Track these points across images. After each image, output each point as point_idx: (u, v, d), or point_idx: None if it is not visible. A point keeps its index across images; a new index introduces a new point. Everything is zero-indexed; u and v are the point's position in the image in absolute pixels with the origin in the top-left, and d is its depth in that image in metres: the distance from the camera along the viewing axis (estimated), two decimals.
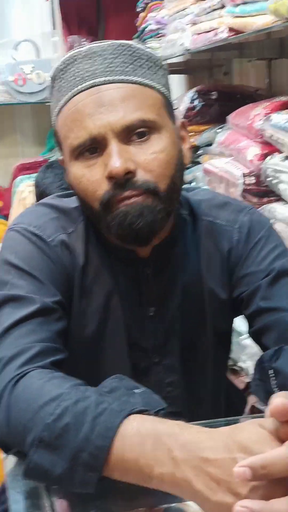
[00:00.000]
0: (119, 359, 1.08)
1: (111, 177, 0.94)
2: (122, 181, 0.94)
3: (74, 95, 0.96)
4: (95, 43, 0.98)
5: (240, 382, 2.00)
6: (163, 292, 1.08)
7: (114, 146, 0.94)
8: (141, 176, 0.95)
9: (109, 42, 0.98)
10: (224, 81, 2.91)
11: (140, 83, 0.97)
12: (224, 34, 1.74)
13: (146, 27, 2.67)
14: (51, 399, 0.80)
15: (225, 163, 1.82)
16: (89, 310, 1.05)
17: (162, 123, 0.98)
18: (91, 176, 0.96)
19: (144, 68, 0.98)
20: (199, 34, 1.97)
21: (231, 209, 1.13)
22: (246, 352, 1.95)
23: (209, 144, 2.18)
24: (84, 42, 3.28)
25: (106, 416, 0.76)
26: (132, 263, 1.06)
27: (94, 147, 0.96)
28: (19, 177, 3.22)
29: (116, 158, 0.93)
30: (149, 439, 0.73)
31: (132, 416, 0.76)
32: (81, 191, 0.99)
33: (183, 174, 1.04)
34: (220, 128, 2.08)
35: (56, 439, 0.77)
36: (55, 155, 3.46)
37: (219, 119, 2.23)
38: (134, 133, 0.95)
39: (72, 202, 1.08)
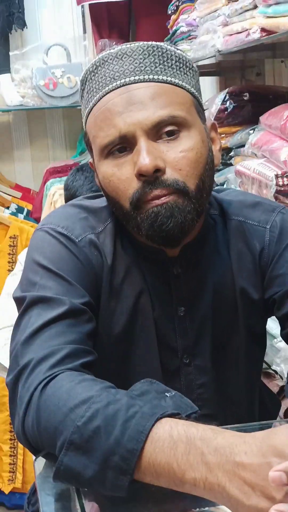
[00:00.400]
0: (149, 360, 1.07)
1: (140, 175, 0.94)
2: (152, 178, 0.94)
3: (104, 95, 0.97)
4: (125, 45, 0.99)
5: (274, 385, 1.97)
6: (193, 291, 1.07)
7: (143, 143, 0.94)
8: (170, 174, 0.95)
9: (139, 43, 0.99)
10: (256, 82, 2.89)
11: (169, 82, 0.98)
12: (256, 35, 1.72)
13: (177, 29, 2.66)
14: (82, 401, 0.79)
15: (257, 165, 1.80)
16: (118, 310, 1.05)
17: (191, 121, 0.98)
18: (121, 175, 0.96)
19: (174, 68, 0.99)
20: (230, 35, 1.95)
21: (262, 209, 1.11)
22: (280, 355, 1.92)
23: (241, 146, 2.16)
24: (115, 46, 3.28)
25: (137, 419, 0.75)
26: (162, 263, 1.06)
27: (123, 146, 0.96)
28: (50, 181, 3.24)
29: (145, 155, 0.93)
30: (181, 443, 0.72)
31: (164, 420, 0.75)
32: (111, 190, 0.98)
33: (213, 174, 1.03)
34: (252, 129, 2.06)
35: (86, 442, 0.76)
36: (86, 158, 3.47)
37: (251, 120, 2.20)
38: (163, 131, 0.96)
39: (100, 203, 1.08)
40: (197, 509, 0.78)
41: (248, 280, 1.09)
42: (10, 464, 2.72)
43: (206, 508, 0.78)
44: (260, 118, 1.92)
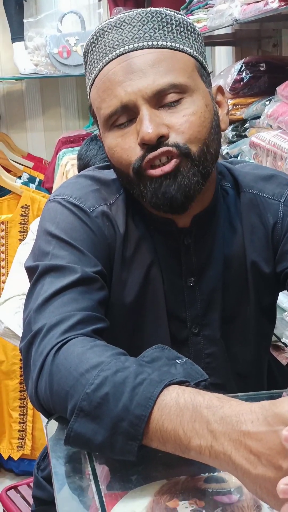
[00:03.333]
0: (159, 329, 1.07)
1: (143, 143, 0.93)
2: (154, 145, 0.94)
3: (105, 65, 0.96)
4: (124, 13, 0.98)
5: (283, 358, 1.98)
6: (203, 262, 1.07)
7: (145, 111, 0.94)
8: (173, 138, 0.95)
9: (138, 10, 0.98)
10: (273, 52, 2.84)
11: (170, 48, 0.96)
12: (275, 4, 1.69)
13: None
14: (92, 366, 0.80)
15: (272, 136, 1.79)
16: (130, 280, 1.05)
17: (194, 86, 0.97)
18: (124, 144, 0.96)
19: (174, 33, 0.97)
20: (248, 4, 1.92)
21: (277, 182, 1.11)
22: None
23: (257, 117, 2.13)
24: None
25: (146, 386, 0.76)
26: (172, 233, 1.05)
27: (126, 115, 0.95)
28: (62, 150, 3.22)
29: (148, 123, 0.93)
30: (188, 411, 0.73)
31: (171, 387, 0.76)
32: (116, 160, 0.98)
33: (219, 138, 1.02)
34: (268, 100, 2.04)
35: (95, 409, 0.77)
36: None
37: (267, 91, 2.18)
38: (165, 98, 0.95)
39: (112, 174, 1.08)
40: (206, 474, 0.79)
41: (260, 253, 1.08)
42: (19, 431, 2.76)
43: (215, 473, 0.79)
44: (277, 89, 1.89)
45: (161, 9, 0.98)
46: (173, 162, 0.94)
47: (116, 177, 1.07)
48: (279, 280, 1.10)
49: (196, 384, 0.83)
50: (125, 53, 0.95)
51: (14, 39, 3.22)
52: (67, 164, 3.14)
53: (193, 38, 1.00)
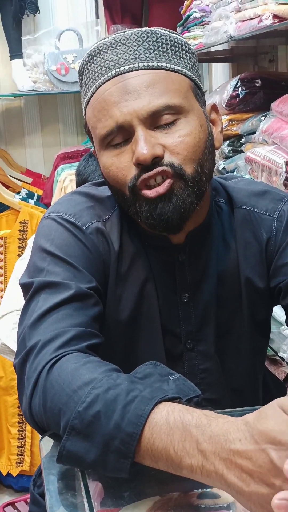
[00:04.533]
0: (153, 345, 1.08)
1: (138, 163, 0.94)
2: (149, 165, 0.94)
3: (100, 85, 0.97)
4: (119, 33, 0.99)
5: (281, 372, 1.98)
6: (197, 278, 1.08)
7: (140, 132, 0.94)
8: (168, 158, 0.95)
9: (133, 30, 0.99)
10: (269, 68, 2.87)
11: (165, 68, 0.97)
12: (268, 21, 1.71)
13: (190, 15, 2.64)
14: (84, 383, 0.80)
15: (267, 151, 1.80)
16: (124, 296, 1.06)
17: (188, 106, 0.98)
18: (120, 163, 0.97)
19: (169, 53, 0.98)
20: (243, 21, 1.94)
21: (270, 197, 1.11)
22: (286, 342, 1.93)
23: (252, 133, 2.15)
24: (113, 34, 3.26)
25: (137, 403, 0.76)
26: (166, 250, 1.06)
27: (122, 136, 0.96)
28: (61, 166, 3.24)
29: (143, 144, 0.93)
30: (177, 430, 0.73)
31: (162, 404, 0.76)
32: (112, 179, 0.99)
33: (213, 157, 1.03)
34: (264, 115, 2.05)
35: (87, 427, 0.77)
36: None
37: (263, 107, 2.19)
38: (160, 119, 0.96)
39: (107, 191, 1.08)
40: (200, 490, 0.79)
41: (254, 269, 1.09)
42: (18, 447, 2.75)
43: (209, 489, 0.79)
44: (272, 104, 1.91)
45: (156, 29, 0.99)
46: (167, 183, 0.95)
47: (111, 193, 1.08)
48: (273, 295, 1.11)
49: (189, 400, 0.83)
50: (121, 74, 0.96)
51: (12, 56, 3.24)
52: (66, 179, 3.15)
53: (188, 58, 1.01)
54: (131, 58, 0.96)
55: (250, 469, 0.67)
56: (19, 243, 2.86)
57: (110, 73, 0.96)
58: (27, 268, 1.03)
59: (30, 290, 0.97)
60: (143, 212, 0.97)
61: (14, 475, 2.73)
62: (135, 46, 0.96)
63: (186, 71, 0.99)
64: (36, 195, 3.32)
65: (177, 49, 0.99)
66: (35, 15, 3.30)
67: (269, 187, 1.17)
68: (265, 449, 0.66)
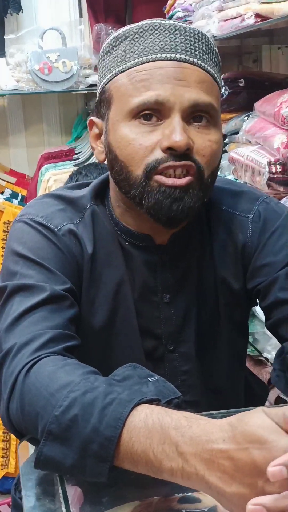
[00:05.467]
0: (132, 347, 1.07)
1: (170, 148, 0.94)
2: (181, 154, 0.94)
3: (150, 61, 0.96)
4: (176, 22, 0.98)
5: (266, 372, 1.98)
6: (178, 279, 1.07)
7: (178, 119, 0.94)
8: (195, 155, 0.96)
9: (190, 26, 0.99)
10: (253, 68, 2.87)
11: (211, 74, 0.98)
12: (251, 20, 1.71)
13: (173, 14, 2.64)
14: (62, 386, 0.79)
15: (250, 152, 1.80)
16: (98, 298, 1.05)
17: (219, 117, 1.00)
18: (145, 141, 0.95)
19: (214, 62, 1.00)
20: (225, 20, 1.94)
21: (246, 198, 1.11)
22: (271, 342, 1.93)
23: (236, 133, 2.15)
24: (111, 31, 3.25)
25: (115, 406, 0.75)
26: (149, 250, 1.05)
27: (152, 114, 0.95)
28: (45, 166, 3.22)
29: (181, 131, 0.93)
30: (156, 433, 0.72)
31: (140, 407, 0.75)
32: (127, 154, 0.97)
33: (217, 174, 1.04)
34: (247, 115, 2.05)
35: (65, 431, 0.76)
36: (81, 144, 3.45)
37: (247, 107, 2.19)
38: (197, 116, 0.96)
39: (80, 192, 1.07)
40: (180, 494, 0.78)
41: (229, 270, 1.08)
42: (3, 449, 2.73)
43: (190, 493, 0.78)
44: (255, 104, 1.91)
45: (207, 35, 1.01)
46: (188, 179, 0.95)
47: (83, 194, 1.07)
48: (250, 297, 1.10)
49: (168, 402, 0.82)
50: (177, 60, 0.95)
51: None
52: (50, 179, 3.13)
53: (220, 75, 1.03)
54: (188, 51, 0.96)
55: (232, 470, 0.66)
56: (3, 243, 2.84)
57: (165, 55, 0.95)
58: (1, 273, 1.02)
59: (4, 294, 0.96)
60: (151, 199, 0.96)
61: None
62: (192, 41, 0.96)
63: (220, 87, 1.02)
64: (20, 195, 3.30)
65: (218, 61, 1.01)
66: (18, 14, 3.28)
67: (246, 187, 1.17)
68: (248, 449, 0.65)
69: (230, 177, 1.98)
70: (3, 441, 2.72)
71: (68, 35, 3.24)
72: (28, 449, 0.86)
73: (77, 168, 2.26)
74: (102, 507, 0.76)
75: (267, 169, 1.66)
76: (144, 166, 0.95)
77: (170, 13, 2.69)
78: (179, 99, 0.94)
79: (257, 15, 1.67)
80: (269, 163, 1.67)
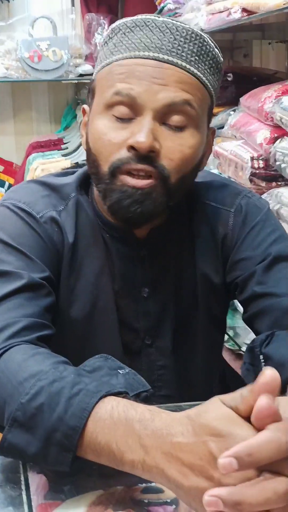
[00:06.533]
0: (110, 339, 1.07)
1: (132, 148, 0.93)
2: (143, 156, 0.92)
3: (133, 58, 0.95)
4: (171, 19, 0.97)
5: None
6: (157, 273, 1.07)
7: (148, 119, 0.93)
8: (160, 159, 0.94)
9: (185, 24, 0.97)
10: (243, 63, 2.87)
11: (198, 78, 0.96)
12: (237, 15, 1.71)
13: (164, 6, 2.64)
14: (30, 375, 0.79)
15: (234, 146, 1.80)
16: (78, 287, 1.04)
17: (201, 121, 0.97)
18: (113, 138, 0.94)
19: (205, 65, 0.97)
20: (213, 14, 1.94)
21: (228, 191, 1.11)
22: (249, 336, 1.94)
23: (222, 127, 2.15)
24: (102, 21, 3.24)
25: (81, 396, 0.75)
26: (129, 243, 1.05)
27: (127, 111, 0.94)
28: (32, 155, 3.22)
29: (147, 132, 0.92)
30: (121, 425, 0.72)
31: (107, 399, 0.75)
32: (98, 147, 0.97)
33: (194, 178, 1.02)
34: (233, 110, 2.06)
35: (30, 419, 0.76)
36: (70, 134, 3.45)
37: (234, 102, 2.20)
38: (172, 116, 0.94)
39: (65, 180, 1.07)
40: (144, 484, 0.79)
41: (210, 264, 1.08)
42: None
43: (153, 484, 0.79)
44: (240, 99, 1.91)
45: (204, 35, 0.98)
46: (148, 182, 0.94)
47: (68, 182, 1.06)
48: (229, 290, 1.10)
49: (137, 394, 0.82)
50: (160, 60, 0.94)
51: None
52: (37, 168, 3.13)
53: (217, 78, 1.00)
54: (173, 52, 0.94)
55: (191, 463, 0.66)
56: None
57: (148, 53, 0.94)
58: None
59: None
60: (113, 196, 0.95)
61: None
62: (181, 41, 0.94)
63: (212, 90, 0.99)
64: (7, 184, 3.29)
65: (213, 64, 0.98)
66: (9, 2, 3.27)
67: (228, 181, 1.17)
68: (206, 441, 0.65)
69: (215, 171, 1.99)
70: None
71: (59, 24, 3.23)
72: None
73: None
74: (63, 496, 0.76)
75: (249, 164, 1.67)
76: (109, 163, 0.94)
77: (162, 4, 2.69)
78: (152, 97, 0.92)
79: (244, 10, 1.67)
80: (252, 158, 1.67)
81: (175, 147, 0.94)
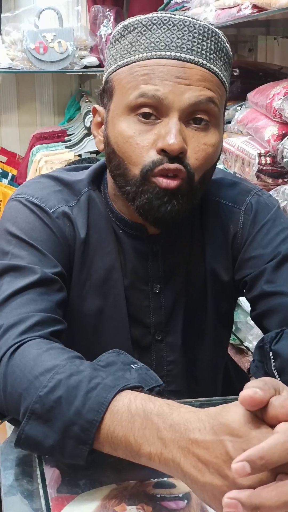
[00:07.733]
0: (120, 335, 1.08)
1: (163, 151, 0.93)
2: (174, 157, 0.93)
3: (154, 58, 0.95)
4: (187, 17, 0.97)
5: (246, 361, 2.00)
6: (168, 269, 1.08)
7: (175, 121, 0.93)
8: (188, 159, 0.95)
9: (200, 22, 0.97)
10: (248, 58, 2.87)
11: (217, 75, 0.97)
12: (247, 11, 1.71)
13: (171, 0, 2.63)
14: (46, 370, 0.80)
15: (241, 142, 1.80)
16: (89, 283, 1.05)
17: (220, 119, 0.98)
18: (141, 141, 0.95)
19: (222, 61, 0.98)
20: (223, 9, 1.93)
21: (239, 189, 1.11)
22: (252, 332, 1.95)
23: (228, 122, 2.15)
24: (108, 13, 3.24)
25: (99, 390, 0.76)
26: (141, 239, 1.06)
27: (151, 113, 0.94)
28: (36, 146, 3.21)
29: (176, 135, 0.92)
30: (139, 418, 0.73)
31: (124, 393, 0.76)
32: (124, 151, 0.97)
33: (212, 174, 1.03)
34: (240, 105, 2.06)
35: (48, 412, 0.77)
36: (74, 126, 3.44)
37: (240, 97, 2.19)
38: (196, 115, 0.95)
39: (77, 175, 1.07)
40: (156, 479, 0.80)
41: (219, 261, 1.09)
42: None
43: (165, 479, 0.80)
44: (248, 95, 1.91)
45: (218, 31, 0.98)
46: (177, 181, 0.94)
47: (81, 178, 1.07)
48: (237, 288, 1.11)
49: (150, 389, 0.83)
50: (181, 60, 0.94)
51: None
52: (41, 160, 3.13)
53: (229, 73, 1.01)
54: (194, 50, 0.94)
55: (207, 459, 0.67)
56: None
57: (170, 53, 0.94)
58: None
59: None
60: (143, 199, 0.96)
61: None
62: (199, 39, 0.95)
63: (227, 86, 1.00)
64: (10, 175, 3.29)
65: (227, 60, 0.99)
66: None
67: (238, 179, 1.17)
68: (223, 440, 0.66)
69: (221, 166, 1.99)
70: None
71: (65, 15, 3.22)
72: (6, 430, 0.87)
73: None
74: (79, 489, 0.77)
75: (256, 161, 1.67)
76: (141, 166, 0.95)
77: None
78: (178, 97, 0.93)
79: (254, 6, 1.67)
80: (259, 155, 1.68)
81: (199, 147, 0.95)
